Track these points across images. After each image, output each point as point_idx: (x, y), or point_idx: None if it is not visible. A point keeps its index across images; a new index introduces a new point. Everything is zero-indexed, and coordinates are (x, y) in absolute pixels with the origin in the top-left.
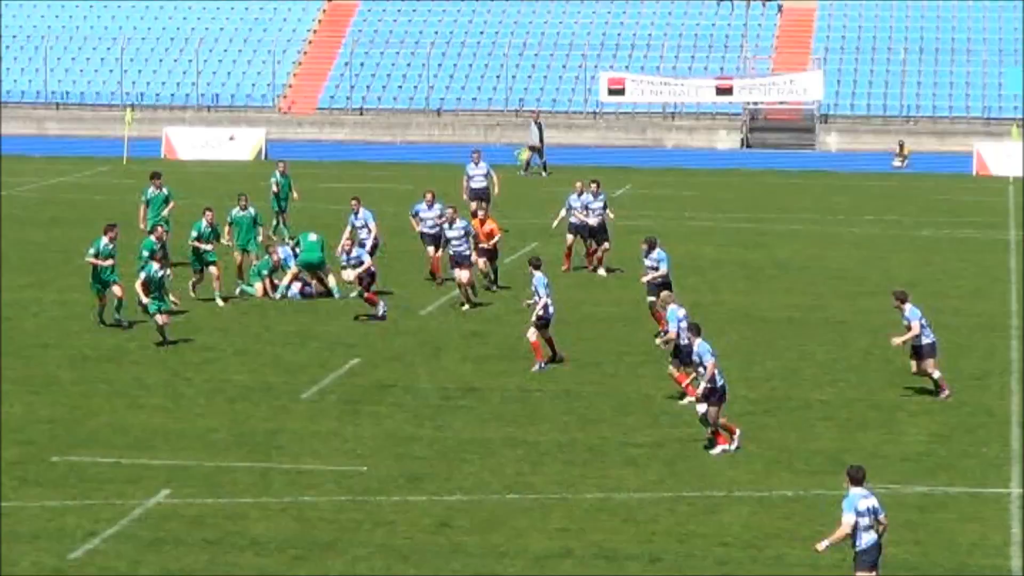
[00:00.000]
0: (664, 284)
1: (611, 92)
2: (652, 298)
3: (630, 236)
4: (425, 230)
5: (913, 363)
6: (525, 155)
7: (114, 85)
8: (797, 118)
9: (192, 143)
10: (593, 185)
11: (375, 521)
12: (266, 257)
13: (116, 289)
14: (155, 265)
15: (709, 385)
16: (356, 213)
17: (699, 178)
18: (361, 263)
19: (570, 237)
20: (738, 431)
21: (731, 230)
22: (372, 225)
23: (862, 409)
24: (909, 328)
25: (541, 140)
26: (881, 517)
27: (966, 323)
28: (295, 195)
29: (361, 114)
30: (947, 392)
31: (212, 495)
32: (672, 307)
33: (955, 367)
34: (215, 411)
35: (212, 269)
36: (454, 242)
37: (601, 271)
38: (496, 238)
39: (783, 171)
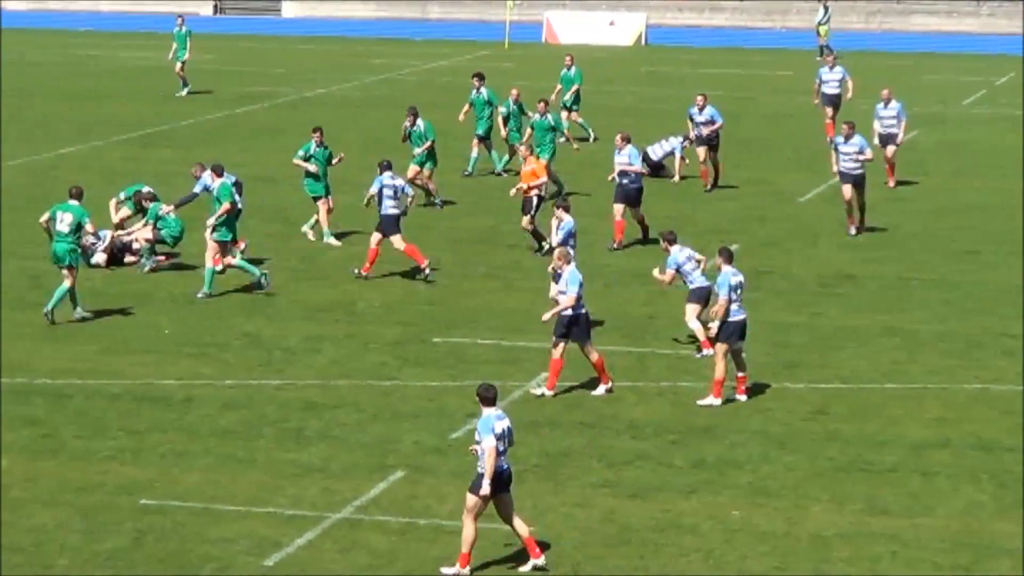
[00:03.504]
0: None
1: None
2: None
3: (999, 123)
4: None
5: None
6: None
7: None
8: None
9: (572, 27)
10: None
11: (752, 407)
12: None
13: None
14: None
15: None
16: (701, 109)
17: None
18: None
19: None
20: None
21: None
22: (719, 120)
23: None
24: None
25: (825, 22)
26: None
27: None
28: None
29: None
30: (607, 385)
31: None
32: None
33: None
34: (591, 296)
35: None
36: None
37: None
38: (540, 180)
39: None
